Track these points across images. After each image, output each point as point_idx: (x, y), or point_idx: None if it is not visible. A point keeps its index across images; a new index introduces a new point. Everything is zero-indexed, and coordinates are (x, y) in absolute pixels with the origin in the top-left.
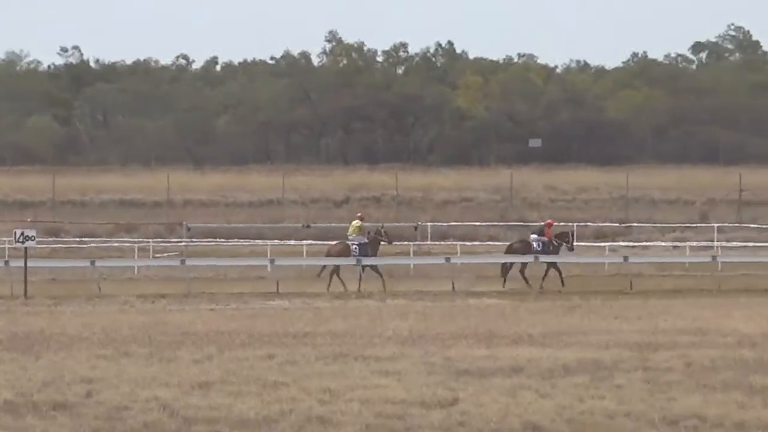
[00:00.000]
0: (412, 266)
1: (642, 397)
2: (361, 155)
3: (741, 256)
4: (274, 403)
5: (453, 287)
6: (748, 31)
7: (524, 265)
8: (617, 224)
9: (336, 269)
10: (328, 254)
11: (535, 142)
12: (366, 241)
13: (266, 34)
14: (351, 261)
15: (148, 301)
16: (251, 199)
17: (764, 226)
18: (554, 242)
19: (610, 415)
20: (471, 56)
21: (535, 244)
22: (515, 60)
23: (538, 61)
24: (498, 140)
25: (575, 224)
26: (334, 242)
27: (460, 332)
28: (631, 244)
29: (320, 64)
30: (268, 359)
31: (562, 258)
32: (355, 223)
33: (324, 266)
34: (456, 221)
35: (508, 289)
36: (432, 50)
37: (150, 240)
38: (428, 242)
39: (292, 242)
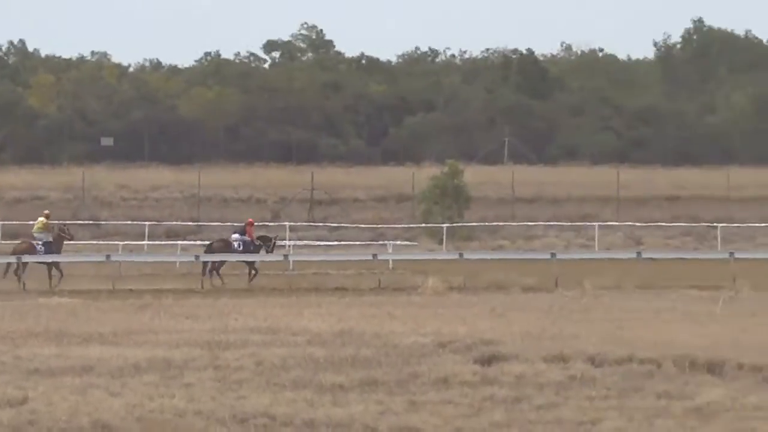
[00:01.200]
0: None
1: (212, 395)
2: None
3: (312, 255)
4: None
5: (24, 286)
6: (321, 30)
7: (221, 263)
8: (189, 223)
9: (20, 267)
10: (14, 252)
11: (107, 141)
12: (51, 239)
13: None
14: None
15: None
16: None
17: (335, 225)
18: (255, 242)
19: (179, 413)
20: (43, 54)
21: (236, 244)
22: (88, 58)
23: (112, 59)
24: (70, 139)
25: (147, 223)
26: (18, 241)
27: (30, 331)
28: (202, 242)
29: None
30: None
31: (134, 257)
32: (41, 219)
33: (8, 266)
34: (29, 220)
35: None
36: (4, 48)
37: None
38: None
39: None
